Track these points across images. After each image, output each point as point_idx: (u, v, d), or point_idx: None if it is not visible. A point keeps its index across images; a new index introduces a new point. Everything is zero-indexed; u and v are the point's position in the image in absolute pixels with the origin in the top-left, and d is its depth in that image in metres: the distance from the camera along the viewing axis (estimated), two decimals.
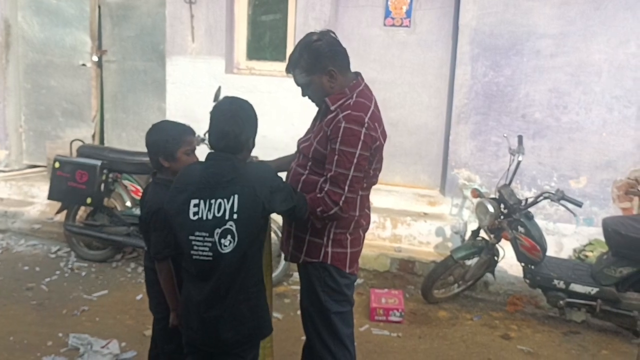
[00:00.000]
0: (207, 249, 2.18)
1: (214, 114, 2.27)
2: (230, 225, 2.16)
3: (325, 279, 2.48)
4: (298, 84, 2.50)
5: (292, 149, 2.65)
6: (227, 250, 2.17)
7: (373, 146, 2.39)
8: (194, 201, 2.19)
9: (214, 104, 3.18)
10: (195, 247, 2.19)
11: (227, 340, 2.26)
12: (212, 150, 2.29)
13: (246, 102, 2.33)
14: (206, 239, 2.17)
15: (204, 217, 2.17)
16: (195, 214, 2.18)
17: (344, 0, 5.45)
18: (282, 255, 3.79)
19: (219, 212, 2.16)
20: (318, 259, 2.47)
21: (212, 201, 2.17)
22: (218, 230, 2.16)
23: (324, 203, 2.33)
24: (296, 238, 2.54)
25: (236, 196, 2.16)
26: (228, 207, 2.16)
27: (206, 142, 4.30)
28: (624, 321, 3.95)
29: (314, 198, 2.36)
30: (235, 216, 2.15)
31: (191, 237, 2.19)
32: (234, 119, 2.23)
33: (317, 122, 2.55)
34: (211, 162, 2.24)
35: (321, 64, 2.41)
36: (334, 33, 2.50)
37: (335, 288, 2.50)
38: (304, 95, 2.53)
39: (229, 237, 2.16)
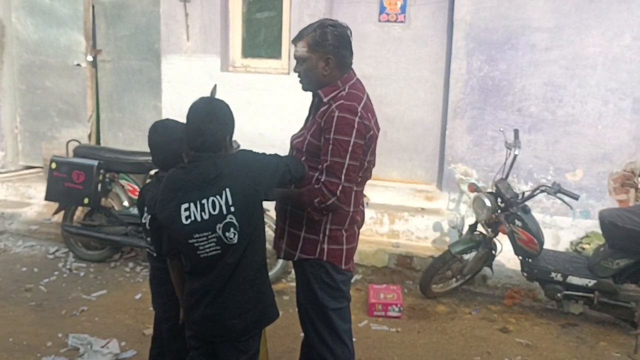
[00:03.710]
0: (213, 244, 2.21)
1: (190, 114, 2.27)
2: (231, 218, 2.18)
3: (322, 275, 2.48)
4: (296, 57, 2.51)
5: (288, 146, 2.65)
6: (234, 241, 2.20)
7: (367, 135, 2.39)
8: (184, 206, 2.20)
9: None
10: (201, 247, 2.21)
11: (233, 327, 2.28)
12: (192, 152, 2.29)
13: (222, 101, 2.34)
14: (210, 237, 2.20)
15: (199, 219, 2.18)
16: (187, 217, 2.19)
17: None
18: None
19: (214, 210, 2.18)
20: (314, 256, 2.47)
21: (204, 201, 2.18)
22: (219, 226, 2.18)
23: (321, 194, 2.33)
24: (290, 235, 2.53)
25: (228, 190, 2.17)
26: (223, 202, 2.17)
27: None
28: (622, 313, 3.97)
29: (311, 189, 2.36)
30: (232, 209, 2.18)
31: (191, 241, 2.21)
32: (210, 117, 2.23)
33: (311, 118, 2.56)
34: (194, 164, 2.24)
35: (324, 48, 2.42)
36: (350, 31, 2.51)
37: (332, 285, 2.50)
38: (296, 70, 2.53)
39: (232, 229, 2.19)
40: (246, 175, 2.20)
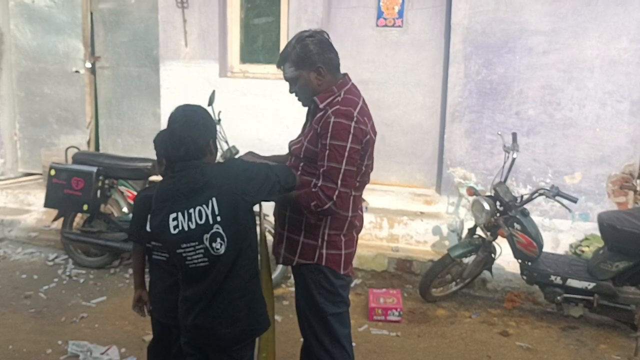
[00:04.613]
0: (201, 255, 2.19)
1: (169, 124, 2.27)
2: (217, 228, 2.16)
3: (321, 280, 2.48)
4: (286, 79, 2.52)
5: (286, 151, 2.66)
6: (220, 252, 2.18)
7: (364, 140, 2.39)
8: (172, 215, 2.19)
9: (208, 107, 3.16)
10: (189, 258, 2.21)
11: (225, 336, 2.27)
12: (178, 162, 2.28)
13: (199, 106, 2.34)
14: (197, 247, 2.18)
15: (186, 228, 2.18)
16: (175, 227, 2.19)
17: (336, 1, 5.46)
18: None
19: (200, 219, 2.16)
20: (312, 261, 2.48)
21: (191, 211, 2.17)
22: (206, 236, 2.17)
23: (317, 198, 2.33)
24: (289, 240, 2.54)
25: (214, 199, 2.16)
26: (209, 211, 2.16)
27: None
28: (622, 315, 3.96)
29: (309, 192, 2.37)
30: (218, 218, 2.16)
31: (179, 250, 2.21)
32: (189, 124, 2.23)
33: (308, 124, 2.57)
34: (181, 174, 2.23)
35: (310, 60, 2.43)
36: (327, 34, 2.53)
37: (331, 289, 2.50)
38: (291, 91, 2.55)
39: (218, 239, 2.17)
40: (234, 184, 2.18)
